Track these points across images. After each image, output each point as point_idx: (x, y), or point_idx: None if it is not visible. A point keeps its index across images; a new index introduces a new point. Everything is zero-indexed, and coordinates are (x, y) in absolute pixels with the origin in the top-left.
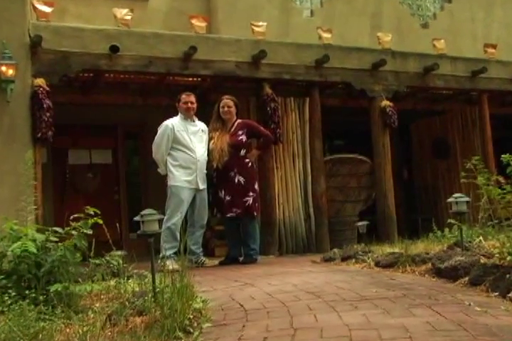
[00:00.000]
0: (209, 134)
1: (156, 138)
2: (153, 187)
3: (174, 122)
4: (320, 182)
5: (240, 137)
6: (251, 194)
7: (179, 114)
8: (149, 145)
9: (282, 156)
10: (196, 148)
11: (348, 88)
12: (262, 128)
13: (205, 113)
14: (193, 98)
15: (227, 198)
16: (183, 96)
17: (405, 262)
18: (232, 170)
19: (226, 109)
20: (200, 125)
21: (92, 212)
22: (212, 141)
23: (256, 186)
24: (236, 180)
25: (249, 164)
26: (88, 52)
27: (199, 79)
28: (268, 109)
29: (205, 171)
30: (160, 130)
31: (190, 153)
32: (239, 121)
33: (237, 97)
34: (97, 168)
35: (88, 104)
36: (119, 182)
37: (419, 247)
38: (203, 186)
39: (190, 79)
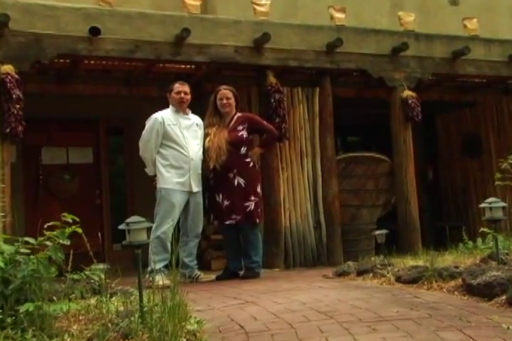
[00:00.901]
0: (204, 130)
1: (143, 133)
2: (140, 191)
3: (164, 115)
4: (332, 184)
5: (240, 133)
6: (253, 198)
7: (170, 106)
8: (136, 142)
9: (288, 155)
10: (189, 144)
11: (365, 76)
12: (265, 122)
13: (199, 106)
14: (187, 88)
15: (226, 203)
16: (176, 85)
17: (431, 277)
18: (231, 170)
19: (224, 101)
20: (194, 119)
21: (69, 220)
22: (208, 138)
23: (258, 189)
24: (236, 182)
25: (251, 164)
26: (64, 35)
27: (193, 66)
28: (272, 100)
29: (200, 172)
30: (148, 124)
31: (182, 150)
32: (239, 114)
33: (237, 87)
34: (76, 168)
35: (65, 94)
36: (101, 184)
37: (447, 260)
38: (197, 189)
39: (183, 66)
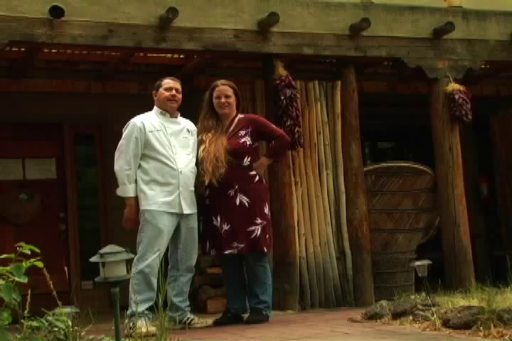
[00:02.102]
0: (198, 136)
1: (119, 143)
2: (117, 213)
3: (146, 119)
4: (358, 203)
5: (243, 139)
6: (259, 221)
7: (155, 107)
8: (111, 151)
9: (303, 166)
10: (178, 154)
11: (398, 66)
12: (273, 126)
13: (189, 106)
14: (179, 85)
15: (226, 227)
16: (167, 80)
17: (488, 321)
18: (231, 186)
19: (222, 99)
20: (185, 123)
21: (27, 251)
22: (202, 147)
23: (266, 210)
24: (237, 202)
25: (256, 178)
26: (18, 17)
27: (182, 56)
28: (282, 98)
29: (193, 189)
30: (125, 132)
31: (168, 162)
32: (240, 116)
33: (238, 82)
34: (34, 185)
35: (20, 92)
36: (67, 206)
37: (508, 299)
38: (189, 210)
39: (169, 56)
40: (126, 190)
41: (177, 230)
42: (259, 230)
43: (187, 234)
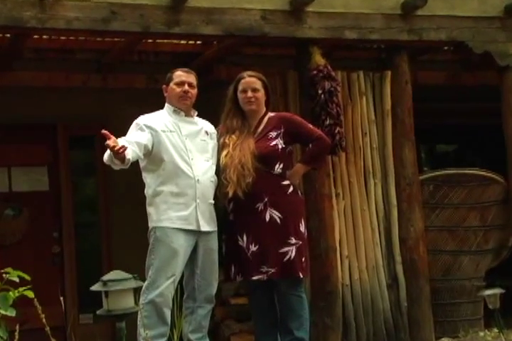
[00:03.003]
0: (220, 139)
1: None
2: (122, 232)
3: (157, 118)
4: (414, 218)
5: (273, 142)
6: (293, 241)
7: (166, 104)
8: None
9: (346, 175)
10: (195, 160)
11: (462, 52)
12: (310, 126)
13: (208, 103)
14: (193, 78)
15: (253, 248)
16: (178, 73)
17: None
18: (260, 199)
19: (249, 93)
20: (203, 124)
21: (15, 278)
22: (225, 151)
23: (302, 227)
24: (267, 217)
25: (290, 189)
26: None
27: (198, 42)
28: (320, 92)
29: (212, 201)
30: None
31: (184, 168)
32: (271, 114)
33: (266, 74)
34: (23, 199)
35: (4, 87)
36: (62, 223)
37: None
38: (208, 227)
39: (183, 42)
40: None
41: (194, 252)
42: (294, 252)
43: (206, 256)
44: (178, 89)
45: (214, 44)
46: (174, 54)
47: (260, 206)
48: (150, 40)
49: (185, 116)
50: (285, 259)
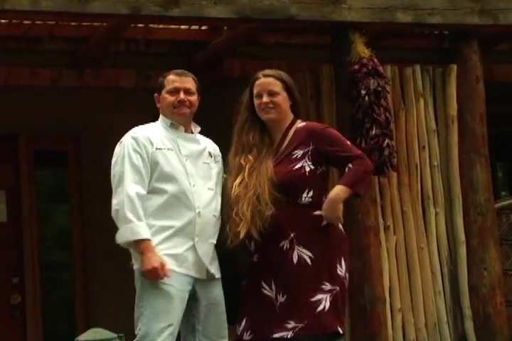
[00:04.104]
0: (233, 160)
1: (113, 172)
2: (101, 274)
3: (149, 133)
4: (488, 259)
5: (299, 164)
6: (328, 287)
7: (160, 116)
8: (92, 177)
9: (398, 201)
10: (197, 186)
11: None
12: (347, 143)
13: (217, 108)
14: (189, 82)
15: (282, 299)
16: (170, 77)
17: None
18: (284, 236)
19: (264, 98)
20: (206, 142)
21: None
22: (239, 178)
23: (340, 269)
24: (295, 258)
25: (324, 222)
26: None
27: (203, 27)
28: (363, 92)
29: (214, 241)
30: (118, 150)
31: (182, 196)
32: (299, 125)
33: (291, 69)
34: None
35: None
36: (23, 265)
37: None
38: (212, 270)
39: (184, 28)
40: (136, 231)
41: (193, 301)
42: (328, 301)
43: (210, 310)
44: (172, 98)
45: (224, 30)
46: (172, 43)
47: (285, 244)
48: (141, 25)
49: (184, 131)
50: (317, 310)
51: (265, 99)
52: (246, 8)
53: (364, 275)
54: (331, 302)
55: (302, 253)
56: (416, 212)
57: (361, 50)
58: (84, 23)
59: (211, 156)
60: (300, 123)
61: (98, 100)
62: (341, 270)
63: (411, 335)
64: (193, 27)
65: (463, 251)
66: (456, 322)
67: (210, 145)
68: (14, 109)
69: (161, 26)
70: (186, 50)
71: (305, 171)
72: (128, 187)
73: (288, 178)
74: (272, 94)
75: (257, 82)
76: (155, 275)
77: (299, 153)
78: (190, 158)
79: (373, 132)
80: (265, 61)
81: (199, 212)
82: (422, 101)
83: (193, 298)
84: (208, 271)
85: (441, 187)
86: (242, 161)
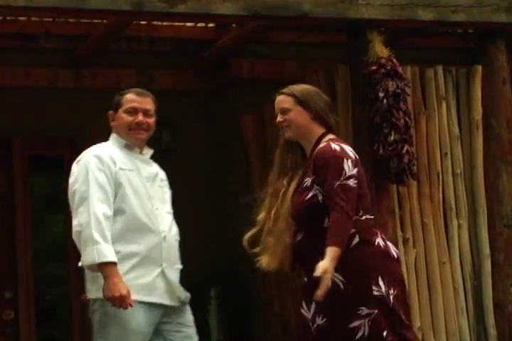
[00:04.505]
0: (271, 185)
1: (74, 190)
2: None
3: (111, 152)
4: None
5: (310, 193)
6: (365, 311)
7: (114, 136)
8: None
9: (418, 212)
10: (159, 210)
11: None
12: (334, 182)
13: (224, 111)
14: (149, 103)
15: (320, 321)
16: (129, 96)
17: None
18: (314, 261)
19: (278, 117)
20: (156, 167)
21: None
22: (274, 208)
23: (378, 290)
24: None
25: (355, 240)
26: None
27: (210, 25)
28: (381, 95)
29: (180, 266)
30: (80, 168)
31: (147, 220)
32: (321, 145)
33: (305, 71)
34: None
35: None
36: (17, 278)
37: None
38: (183, 297)
39: (189, 25)
40: (103, 252)
41: (156, 335)
42: (367, 326)
43: (184, 333)
44: (129, 119)
45: (232, 28)
46: (177, 41)
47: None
48: (143, 22)
49: (139, 153)
50: (357, 337)
51: (278, 118)
52: (256, 4)
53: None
54: (370, 327)
55: (335, 278)
56: (437, 223)
57: (379, 49)
58: (82, 20)
59: (162, 180)
60: (324, 142)
61: (96, 102)
62: (379, 290)
63: None
64: (200, 24)
65: (487, 265)
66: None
67: (160, 170)
68: (8, 111)
69: (165, 23)
70: (192, 49)
71: (317, 200)
72: (95, 207)
73: (299, 210)
74: (283, 111)
75: (275, 103)
76: (122, 303)
77: (308, 181)
78: (149, 180)
79: (392, 138)
80: (276, 61)
81: (164, 236)
82: (444, 105)
83: (158, 333)
84: (179, 298)
85: (464, 197)
86: (279, 186)
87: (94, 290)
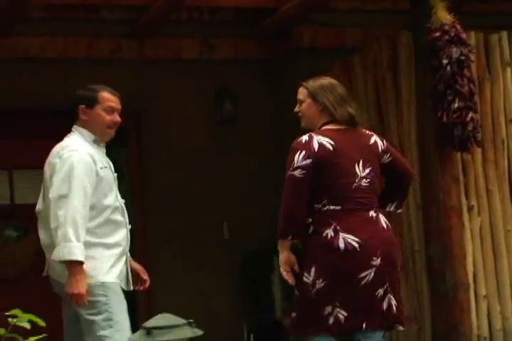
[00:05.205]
0: None
1: (61, 182)
2: (162, 264)
3: (88, 149)
4: None
5: None
6: (296, 292)
7: (83, 130)
8: (156, 154)
9: (483, 180)
10: (123, 203)
11: None
12: (287, 166)
13: (284, 80)
14: (119, 102)
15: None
16: (106, 95)
17: None
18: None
19: (296, 108)
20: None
21: (25, 324)
22: None
23: (307, 276)
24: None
25: (310, 229)
26: None
27: None
28: (445, 62)
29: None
30: (63, 165)
31: (121, 214)
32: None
33: (367, 38)
34: (28, 214)
35: (4, 58)
36: None
37: None
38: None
39: None
40: (72, 251)
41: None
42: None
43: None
44: (108, 118)
45: None
46: (238, 11)
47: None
48: None
49: (102, 147)
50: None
51: (296, 108)
52: None
53: (445, 260)
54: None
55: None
56: (502, 190)
57: (443, 15)
58: None
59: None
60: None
61: (158, 72)
62: (307, 277)
63: (497, 324)
64: None
65: None
66: None
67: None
68: (72, 82)
69: None
70: (252, 18)
71: None
72: (75, 207)
73: None
74: (299, 102)
75: None
76: (78, 301)
77: None
78: (115, 176)
79: (456, 105)
80: (338, 28)
81: (129, 228)
82: (508, 71)
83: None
84: (132, 283)
85: (510, 162)
86: None
87: (93, 277)
